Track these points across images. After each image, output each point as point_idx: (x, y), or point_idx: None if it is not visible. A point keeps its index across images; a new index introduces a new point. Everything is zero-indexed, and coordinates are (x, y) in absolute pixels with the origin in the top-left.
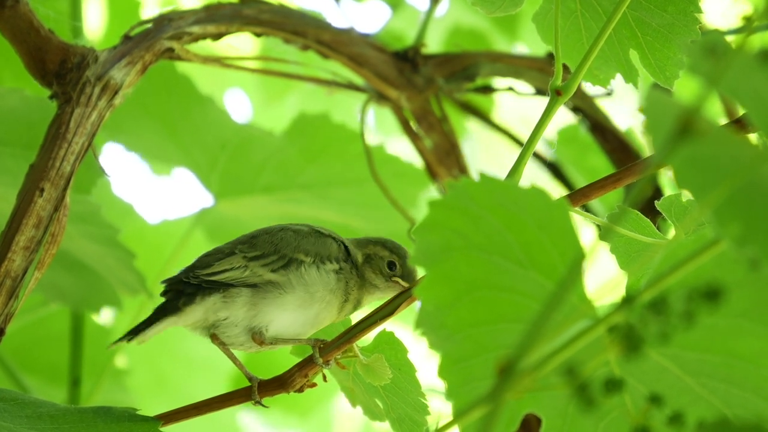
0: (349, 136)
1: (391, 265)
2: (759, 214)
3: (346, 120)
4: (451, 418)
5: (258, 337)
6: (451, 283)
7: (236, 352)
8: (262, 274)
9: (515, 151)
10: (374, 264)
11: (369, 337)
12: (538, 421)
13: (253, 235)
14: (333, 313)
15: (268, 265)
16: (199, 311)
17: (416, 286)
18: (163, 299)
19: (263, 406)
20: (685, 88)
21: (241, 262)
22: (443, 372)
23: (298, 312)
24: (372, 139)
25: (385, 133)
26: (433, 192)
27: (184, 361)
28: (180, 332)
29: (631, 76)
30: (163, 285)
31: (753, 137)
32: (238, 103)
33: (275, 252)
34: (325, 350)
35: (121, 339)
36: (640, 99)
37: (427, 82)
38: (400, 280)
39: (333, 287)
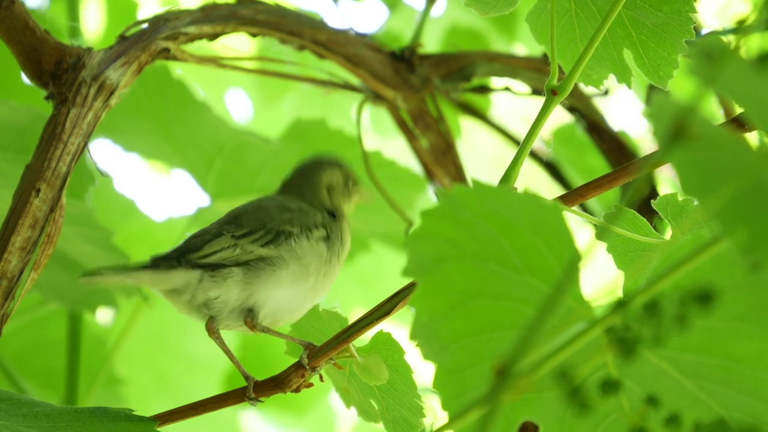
0: (346, 142)
1: (348, 182)
2: (764, 218)
3: (343, 121)
4: (446, 421)
5: (250, 321)
6: (444, 294)
7: (233, 351)
8: (253, 250)
9: (512, 151)
10: (336, 191)
11: (365, 338)
12: (536, 428)
13: (237, 214)
14: (332, 278)
15: (257, 240)
16: (178, 278)
17: (412, 297)
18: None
19: (259, 401)
20: (683, 89)
21: (230, 242)
22: (438, 384)
23: (294, 286)
24: (368, 141)
25: (381, 134)
26: (430, 193)
27: (181, 361)
28: (178, 331)
29: (624, 76)
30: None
31: (751, 136)
32: (239, 104)
33: (263, 227)
34: (315, 354)
35: (87, 274)
36: (640, 100)
37: (424, 82)
38: (358, 189)
39: (326, 257)
